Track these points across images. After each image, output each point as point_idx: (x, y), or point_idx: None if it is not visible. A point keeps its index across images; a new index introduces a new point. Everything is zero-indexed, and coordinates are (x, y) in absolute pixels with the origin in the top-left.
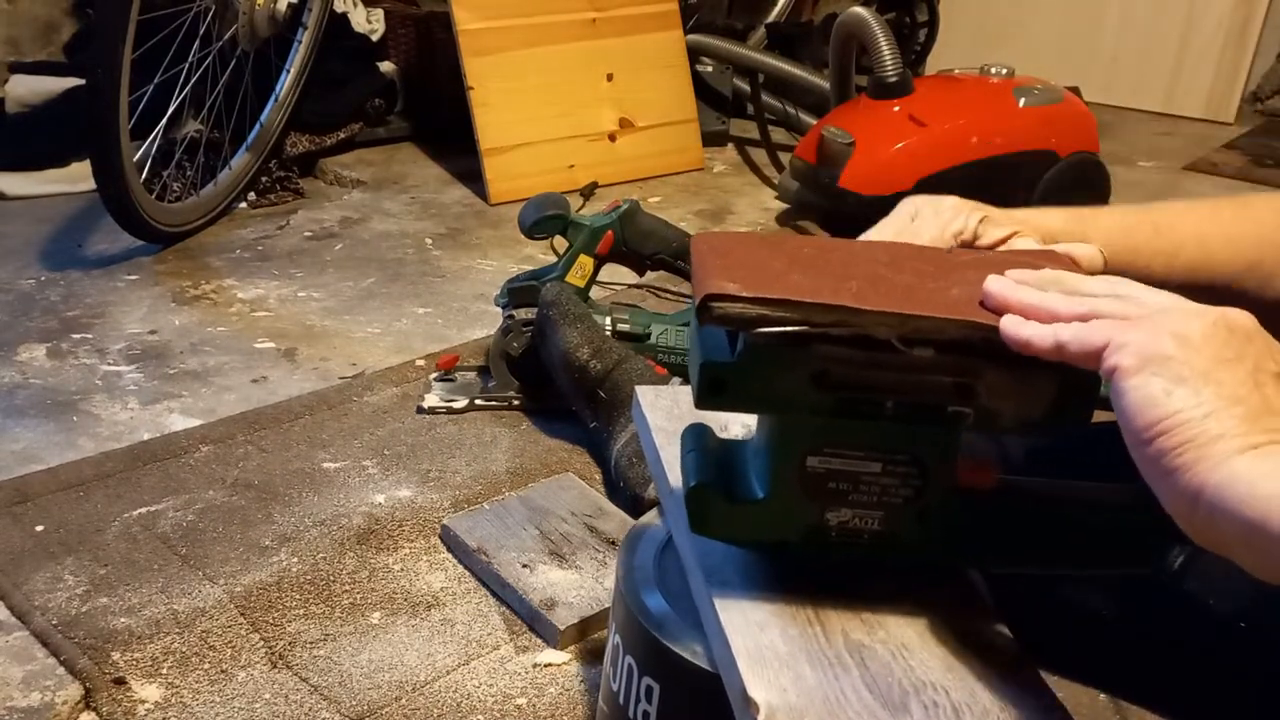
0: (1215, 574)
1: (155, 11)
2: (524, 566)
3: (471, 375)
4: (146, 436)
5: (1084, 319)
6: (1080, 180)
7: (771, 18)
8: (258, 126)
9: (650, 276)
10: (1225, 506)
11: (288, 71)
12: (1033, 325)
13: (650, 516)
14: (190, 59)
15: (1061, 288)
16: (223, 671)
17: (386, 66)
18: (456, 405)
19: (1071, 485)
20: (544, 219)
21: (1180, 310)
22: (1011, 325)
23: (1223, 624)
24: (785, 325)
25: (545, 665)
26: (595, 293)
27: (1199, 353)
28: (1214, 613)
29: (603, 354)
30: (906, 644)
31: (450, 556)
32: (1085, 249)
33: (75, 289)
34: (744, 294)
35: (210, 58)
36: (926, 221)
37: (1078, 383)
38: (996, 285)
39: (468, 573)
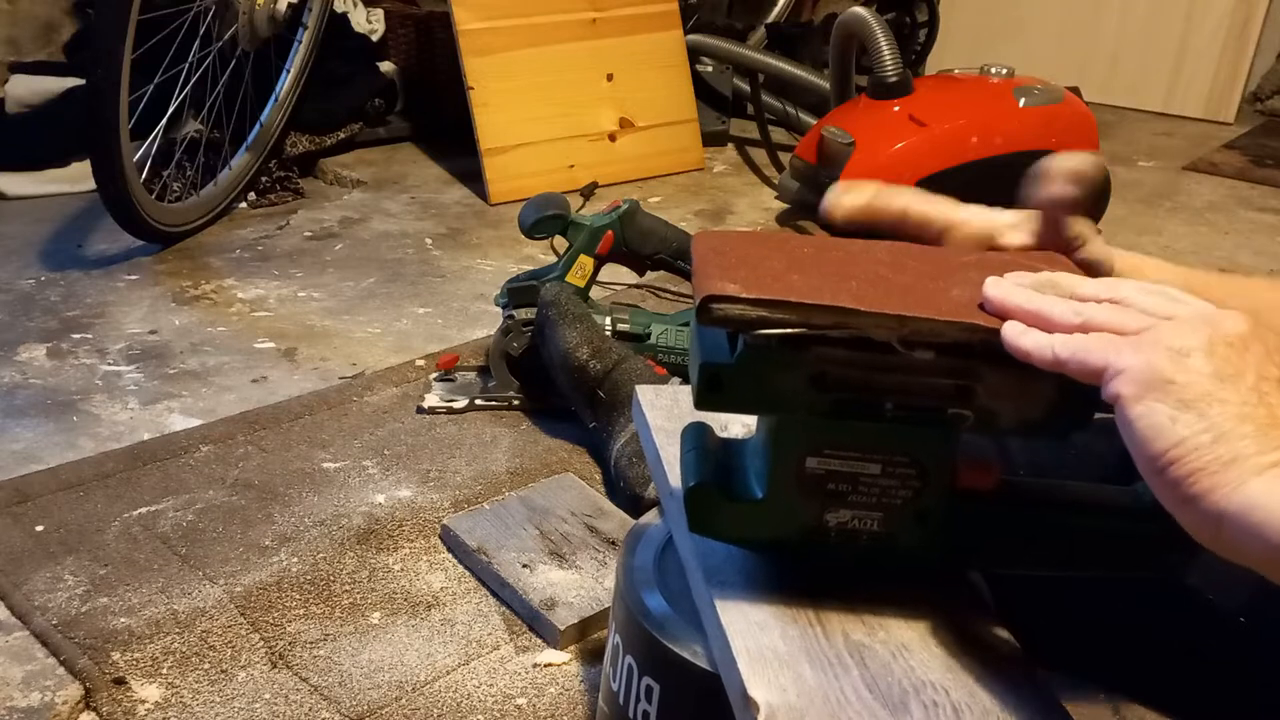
0: (1215, 570)
1: (155, 11)
2: (524, 566)
3: (471, 375)
4: (146, 436)
5: (1082, 329)
6: None
7: (771, 18)
8: (258, 126)
9: (650, 276)
10: (1249, 531)
11: (288, 71)
12: (1032, 335)
13: (650, 516)
14: (190, 59)
15: (1058, 291)
16: (223, 671)
17: (386, 66)
18: (456, 405)
19: (1074, 487)
20: (544, 219)
21: (1176, 324)
22: (1011, 334)
23: (1223, 619)
24: (784, 327)
25: (545, 665)
26: (595, 293)
27: (1200, 373)
28: (1214, 608)
29: (602, 354)
30: (906, 644)
31: (450, 556)
32: (1099, 250)
33: (75, 289)
34: (743, 295)
35: (210, 58)
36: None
37: (1078, 387)
38: (994, 290)
39: (468, 573)
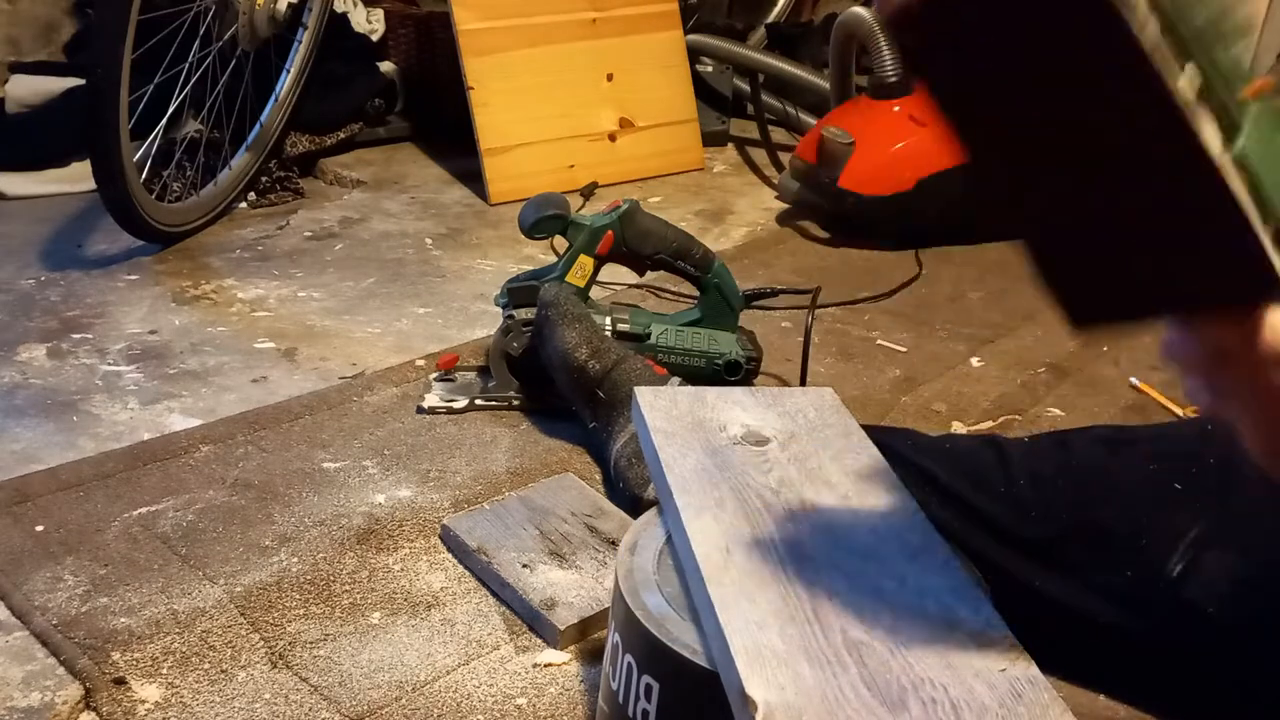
0: (1216, 582)
1: (155, 11)
2: (524, 566)
3: (471, 375)
4: (146, 436)
5: None
6: None
7: (771, 18)
8: (258, 126)
9: (650, 276)
10: None
11: (288, 71)
12: None
13: (650, 516)
14: (190, 59)
15: None
16: (223, 671)
17: (386, 66)
18: (456, 405)
19: None
20: (544, 219)
21: None
22: None
23: (1222, 631)
24: None
25: (545, 665)
26: (595, 293)
27: None
28: (1213, 620)
29: (601, 354)
30: (905, 641)
31: (450, 556)
32: None
33: (75, 289)
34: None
35: (210, 58)
36: None
37: None
38: None
39: (468, 573)
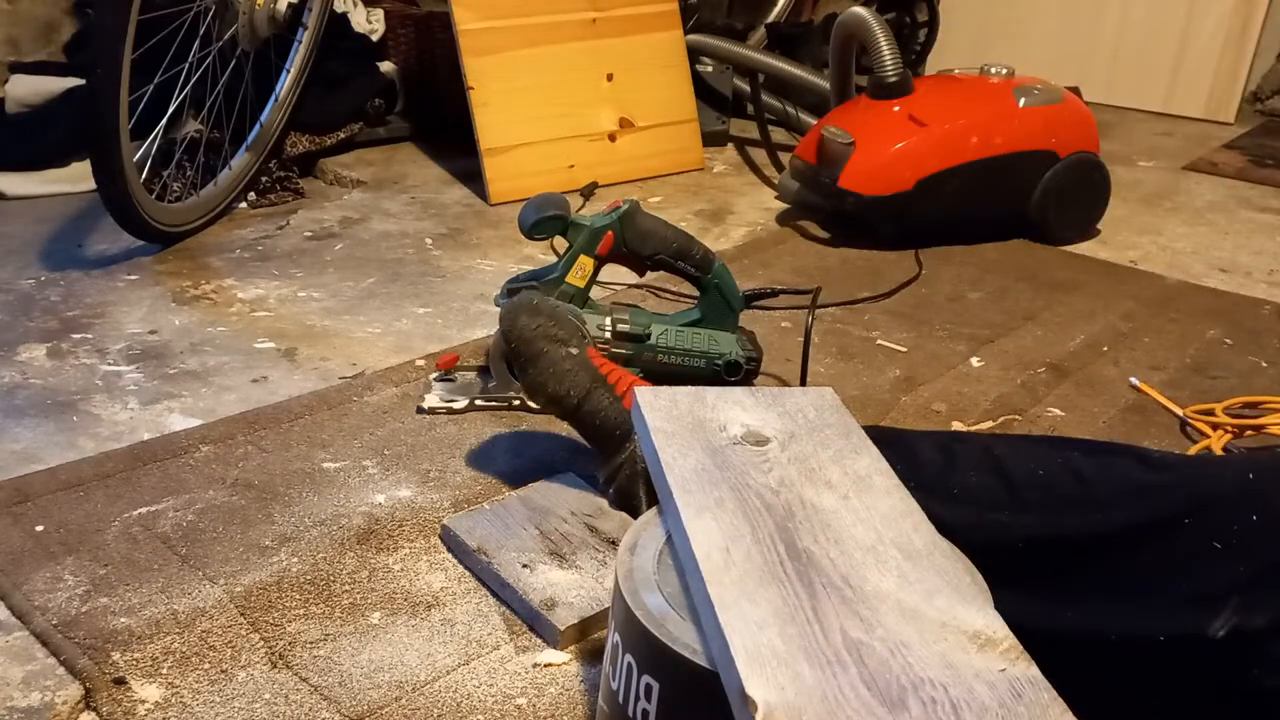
0: (1262, 644)
1: (155, 11)
2: (524, 566)
3: (471, 375)
4: (146, 436)
5: None
6: (1080, 180)
7: (771, 18)
8: (258, 126)
9: (650, 276)
10: None
11: (288, 71)
12: None
13: (650, 516)
14: (190, 59)
15: None
16: (223, 671)
17: (386, 66)
18: (456, 405)
19: None
20: (544, 219)
21: None
22: None
23: (1270, 695)
24: None
25: (545, 665)
26: (595, 293)
27: None
28: (1260, 682)
29: (560, 399)
30: (905, 641)
31: (450, 556)
32: None
33: (75, 289)
34: None
35: (210, 58)
36: None
37: None
38: None
39: (468, 573)
